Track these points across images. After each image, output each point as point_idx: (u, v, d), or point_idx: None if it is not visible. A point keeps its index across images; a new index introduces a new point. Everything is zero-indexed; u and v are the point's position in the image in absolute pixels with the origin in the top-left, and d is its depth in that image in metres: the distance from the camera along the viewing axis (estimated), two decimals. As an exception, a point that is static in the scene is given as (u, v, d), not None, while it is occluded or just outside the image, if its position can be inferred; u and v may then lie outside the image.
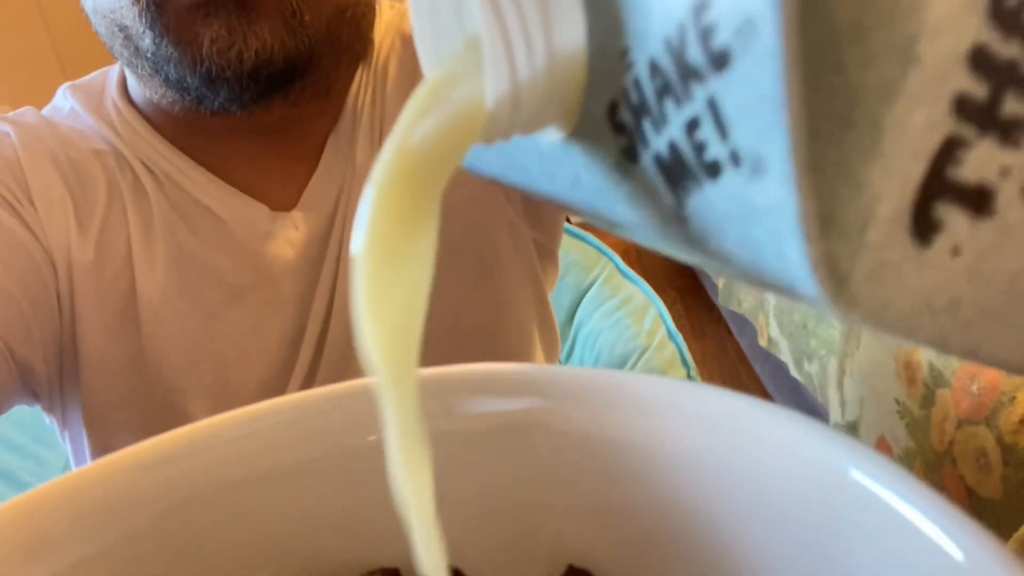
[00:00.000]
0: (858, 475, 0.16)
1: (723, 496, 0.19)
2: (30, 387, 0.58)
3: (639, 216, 0.18)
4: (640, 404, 0.20)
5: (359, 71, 0.63)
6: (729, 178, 0.14)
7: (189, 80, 0.52)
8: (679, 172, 0.15)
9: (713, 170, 0.15)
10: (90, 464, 0.24)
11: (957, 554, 0.14)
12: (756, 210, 0.14)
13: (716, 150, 0.14)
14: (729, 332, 2.02)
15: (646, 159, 0.16)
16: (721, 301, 1.92)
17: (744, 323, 1.79)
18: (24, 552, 0.20)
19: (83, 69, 0.69)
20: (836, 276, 0.13)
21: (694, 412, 0.20)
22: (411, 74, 0.63)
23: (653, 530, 0.21)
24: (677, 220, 0.16)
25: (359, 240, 0.19)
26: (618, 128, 0.17)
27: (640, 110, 0.16)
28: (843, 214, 0.13)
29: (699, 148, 0.15)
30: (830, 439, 0.17)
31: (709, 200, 0.15)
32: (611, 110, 0.17)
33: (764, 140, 0.13)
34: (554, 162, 0.20)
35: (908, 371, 1.07)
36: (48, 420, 0.65)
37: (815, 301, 0.14)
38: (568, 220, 0.97)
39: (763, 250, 0.14)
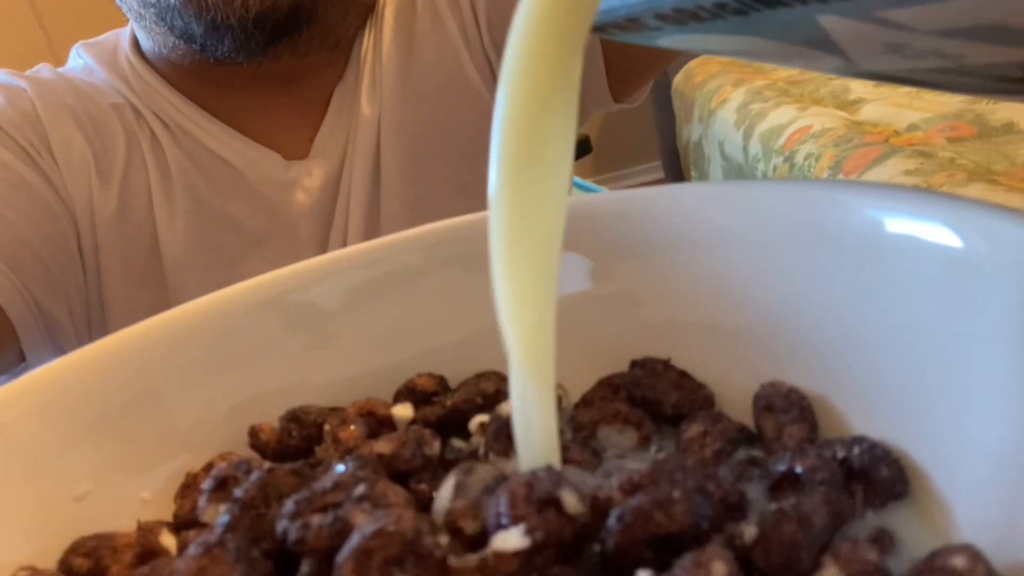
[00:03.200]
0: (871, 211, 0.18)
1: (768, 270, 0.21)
2: (58, 343, 0.59)
3: None
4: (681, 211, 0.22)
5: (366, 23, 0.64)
6: None
7: (195, 28, 0.53)
8: None
9: None
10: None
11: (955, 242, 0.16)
12: None
13: None
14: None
15: None
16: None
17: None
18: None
19: (69, 37, 0.70)
20: None
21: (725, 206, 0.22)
22: (407, 21, 0.64)
23: (715, 314, 0.23)
24: None
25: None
26: None
27: None
28: None
29: None
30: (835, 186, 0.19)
31: None
32: None
33: None
34: None
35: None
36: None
37: None
38: (577, 156, 0.97)
39: None
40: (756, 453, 0.21)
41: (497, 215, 0.17)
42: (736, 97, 1.89)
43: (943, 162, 1.27)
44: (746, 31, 0.22)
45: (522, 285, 0.18)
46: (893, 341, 0.19)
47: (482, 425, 0.24)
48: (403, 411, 0.26)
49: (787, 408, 0.21)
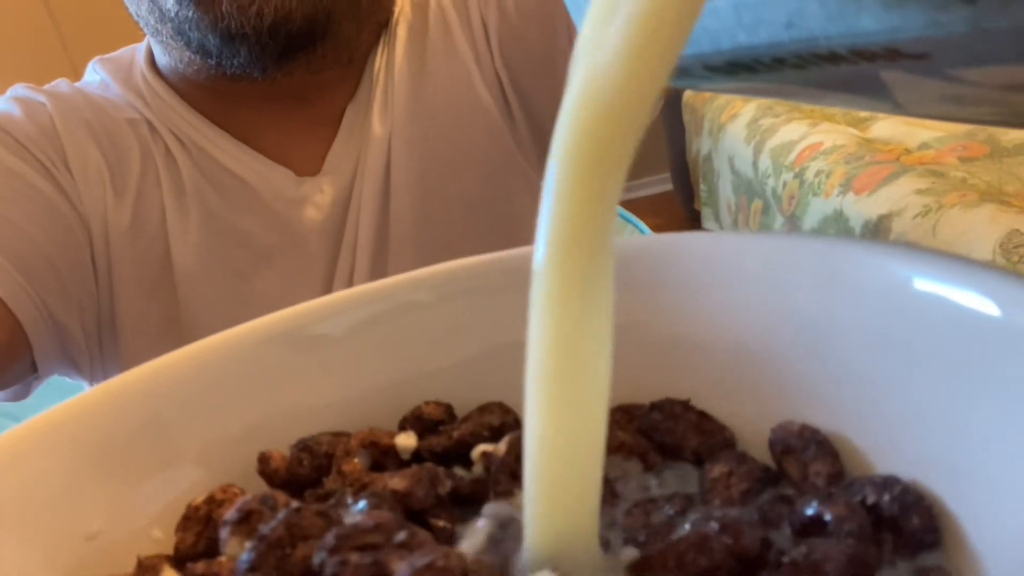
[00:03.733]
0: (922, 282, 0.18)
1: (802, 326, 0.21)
2: (69, 354, 0.60)
3: (897, 17, 0.16)
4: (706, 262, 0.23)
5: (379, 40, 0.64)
6: None
7: (210, 40, 0.54)
8: None
9: None
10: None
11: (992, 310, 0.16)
12: None
13: None
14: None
15: None
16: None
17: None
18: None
19: (88, 52, 0.71)
20: None
21: (750, 259, 0.22)
22: (419, 39, 0.64)
23: (737, 365, 0.23)
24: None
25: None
26: None
27: None
28: None
29: None
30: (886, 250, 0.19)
31: None
32: None
33: None
34: (760, 6, 0.19)
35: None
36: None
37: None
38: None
39: None
40: (785, 492, 0.21)
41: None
42: (747, 112, 1.89)
43: (955, 182, 1.27)
44: (799, 81, 0.21)
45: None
46: (914, 391, 0.18)
47: (484, 454, 0.25)
48: (406, 441, 0.26)
49: (804, 447, 0.21)
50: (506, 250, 0.27)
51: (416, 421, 0.27)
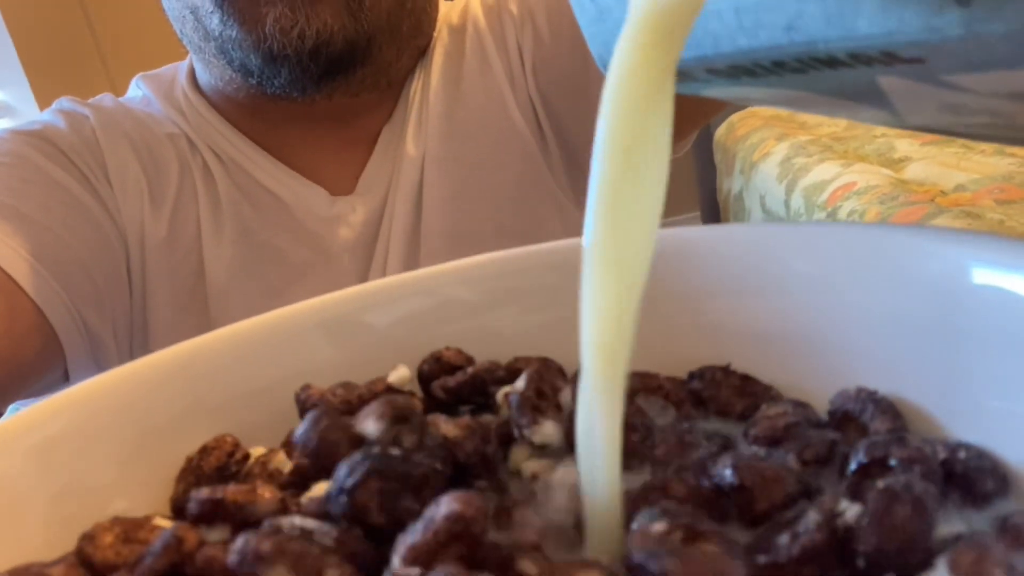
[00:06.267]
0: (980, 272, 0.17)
1: (848, 312, 0.20)
2: (101, 364, 0.60)
3: (893, 21, 0.16)
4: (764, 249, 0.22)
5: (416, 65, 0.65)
6: None
7: (252, 60, 0.55)
8: None
9: None
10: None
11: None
12: None
13: None
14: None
15: None
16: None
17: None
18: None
19: (127, 70, 0.72)
20: None
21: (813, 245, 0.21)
22: (455, 63, 0.65)
23: (784, 344, 0.22)
24: (959, 2, 0.15)
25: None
26: None
27: None
28: None
29: None
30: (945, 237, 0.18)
31: None
32: None
33: None
34: (760, 9, 0.19)
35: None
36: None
37: None
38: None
39: None
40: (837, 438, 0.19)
41: (593, 228, 0.18)
42: (779, 151, 1.89)
43: (991, 224, 1.25)
44: (799, 86, 0.22)
45: (608, 301, 0.18)
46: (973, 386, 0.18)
47: (507, 395, 0.24)
48: (399, 374, 0.25)
49: (862, 409, 0.19)
50: (549, 242, 0.26)
51: (434, 363, 0.26)
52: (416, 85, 0.64)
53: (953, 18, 0.15)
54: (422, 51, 0.65)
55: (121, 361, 0.60)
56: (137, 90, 0.65)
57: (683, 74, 0.23)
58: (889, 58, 0.18)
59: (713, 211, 2.45)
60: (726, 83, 0.23)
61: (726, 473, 0.17)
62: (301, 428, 0.20)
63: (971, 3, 0.15)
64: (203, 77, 0.63)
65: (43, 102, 1.96)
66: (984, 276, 0.17)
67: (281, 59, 0.54)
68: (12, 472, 0.21)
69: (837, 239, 0.21)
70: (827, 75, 0.20)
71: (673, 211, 2.76)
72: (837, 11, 0.17)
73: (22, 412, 0.22)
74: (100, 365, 0.60)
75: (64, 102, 0.62)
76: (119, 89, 0.67)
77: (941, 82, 0.18)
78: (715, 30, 0.20)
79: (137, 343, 0.61)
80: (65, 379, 0.57)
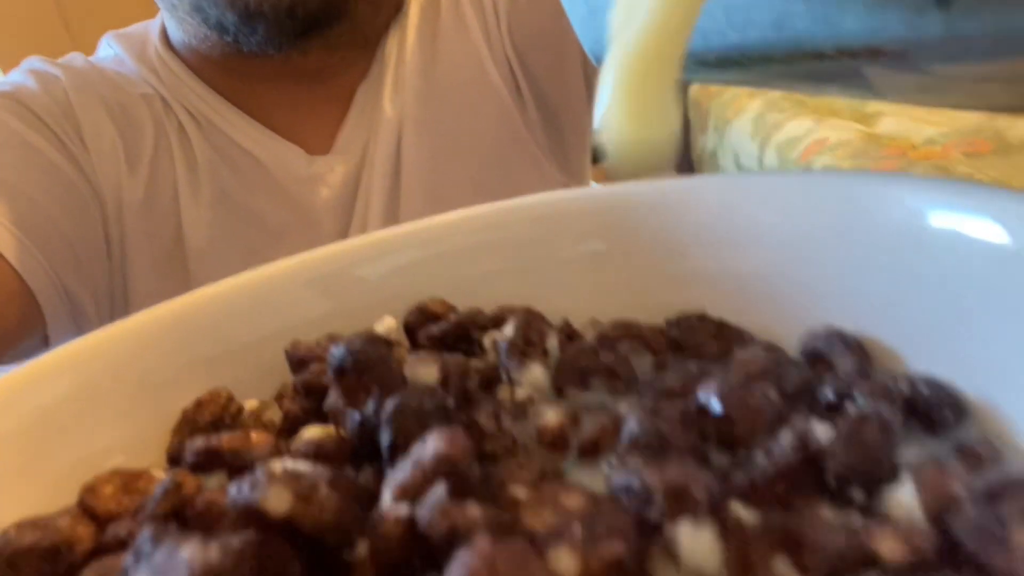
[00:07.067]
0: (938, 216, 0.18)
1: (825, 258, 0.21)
2: (81, 328, 0.60)
3: (878, 20, 0.17)
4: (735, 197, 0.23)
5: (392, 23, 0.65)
6: None
7: (228, 18, 0.54)
8: None
9: None
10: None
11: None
12: None
13: None
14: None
15: None
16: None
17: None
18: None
19: (90, 31, 0.71)
20: None
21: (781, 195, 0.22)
22: (431, 20, 0.64)
23: (754, 293, 0.23)
24: (940, 5, 0.16)
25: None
26: None
27: None
28: None
29: None
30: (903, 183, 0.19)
31: None
32: None
33: None
34: (750, 7, 0.20)
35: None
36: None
37: None
38: (594, 160, 0.98)
39: None
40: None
41: None
42: (752, 107, 1.89)
43: (961, 178, 1.27)
44: (785, 75, 0.22)
45: None
46: (938, 330, 0.19)
47: (495, 341, 0.24)
48: (385, 324, 0.26)
49: (830, 347, 0.20)
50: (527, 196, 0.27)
51: (419, 313, 0.26)
52: (392, 43, 0.64)
53: (934, 19, 0.16)
54: (398, 7, 0.65)
55: (101, 324, 0.60)
56: (108, 49, 0.64)
57: None
58: (874, 53, 0.19)
59: (688, 170, 2.46)
60: (713, 72, 0.23)
61: (711, 400, 0.18)
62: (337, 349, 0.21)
63: (951, 6, 0.16)
64: (176, 35, 0.62)
65: (3, 64, 1.91)
66: (941, 219, 0.18)
67: (257, 16, 0.53)
68: (12, 430, 0.21)
69: (804, 188, 0.22)
70: (814, 66, 0.21)
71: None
72: (823, 10, 0.18)
73: (18, 370, 0.22)
74: (80, 330, 0.60)
75: (34, 61, 0.61)
76: (79, 42, 0.66)
77: (921, 70, 0.19)
78: (703, 27, 0.21)
79: (117, 307, 0.61)
80: (45, 344, 0.57)
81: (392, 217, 0.63)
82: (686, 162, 2.46)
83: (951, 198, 0.18)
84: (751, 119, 1.88)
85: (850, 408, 0.17)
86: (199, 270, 0.60)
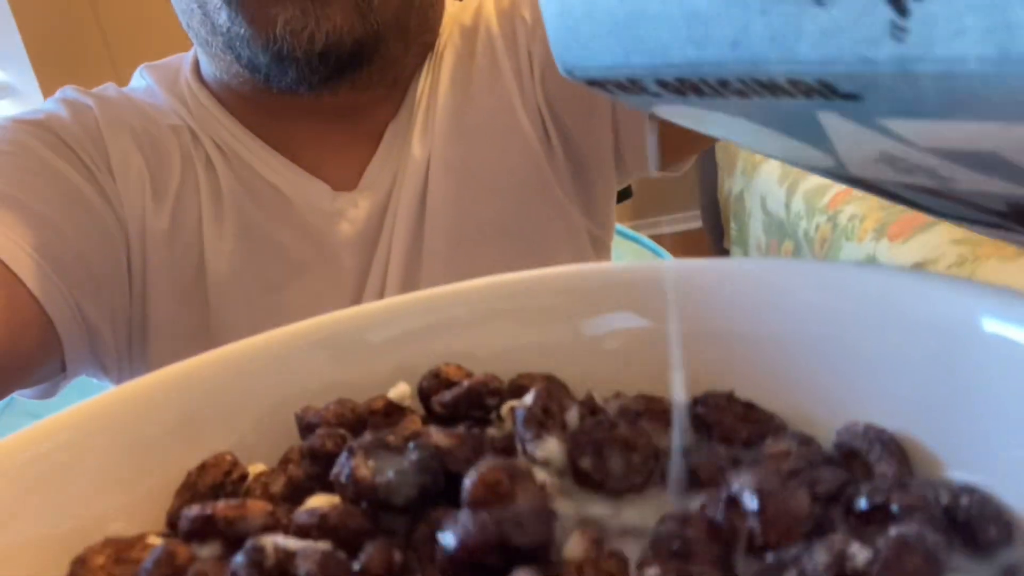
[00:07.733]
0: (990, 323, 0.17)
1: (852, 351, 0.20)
2: (98, 356, 0.60)
3: (832, 48, 0.17)
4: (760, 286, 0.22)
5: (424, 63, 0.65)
6: None
7: (260, 59, 0.54)
8: None
9: None
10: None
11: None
12: None
13: None
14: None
15: None
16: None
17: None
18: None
19: (130, 53, 0.72)
20: None
21: (815, 284, 0.21)
22: (465, 63, 0.65)
23: (789, 370, 0.22)
24: (893, 33, 0.16)
25: None
26: None
27: None
28: None
29: None
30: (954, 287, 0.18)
31: None
32: None
33: None
34: (710, 21, 0.19)
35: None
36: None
37: None
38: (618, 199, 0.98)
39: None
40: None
41: None
42: (781, 153, 1.88)
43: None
44: (743, 114, 0.22)
45: None
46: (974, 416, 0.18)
47: (512, 410, 0.23)
48: (399, 391, 0.25)
49: (869, 447, 0.19)
50: (551, 267, 0.26)
51: (434, 379, 0.25)
52: (424, 84, 0.64)
53: (887, 52, 0.16)
54: (429, 48, 0.65)
55: (118, 353, 0.61)
56: (141, 80, 0.65)
57: (634, 84, 0.23)
58: (827, 90, 0.18)
59: (713, 211, 2.45)
60: (675, 99, 0.23)
61: (745, 495, 0.17)
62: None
63: (905, 39, 0.16)
64: (207, 70, 0.62)
65: (45, 83, 1.95)
66: (993, 325, 0.17)
67: (290, 60, 0.54)
68: (5, 494, 0.20)
69: (846, 278, 0.21)
70: (769, 103, 0.20)
71: (674, 208, 2.76)
72: (781, 31, 0.18)
73: (18, 433, 0.21)
74: (98, 357, 0.60)
75: (68, 91, 0.62)
76: (121, 72, 0.67)
77: (878, 126, 0.19)
78: (665, 39, 0.21)
79: (136, 335, 0.61)
80: (62, 371, 0.57)
81: (414, 256, 0.62)
82: (712, 204, 2.45)
83: (1004, 306, 0.17)
84: (779, 164, 1.87)
85: (892, 524, 0.16)
86: (219, 301, 0.60)
